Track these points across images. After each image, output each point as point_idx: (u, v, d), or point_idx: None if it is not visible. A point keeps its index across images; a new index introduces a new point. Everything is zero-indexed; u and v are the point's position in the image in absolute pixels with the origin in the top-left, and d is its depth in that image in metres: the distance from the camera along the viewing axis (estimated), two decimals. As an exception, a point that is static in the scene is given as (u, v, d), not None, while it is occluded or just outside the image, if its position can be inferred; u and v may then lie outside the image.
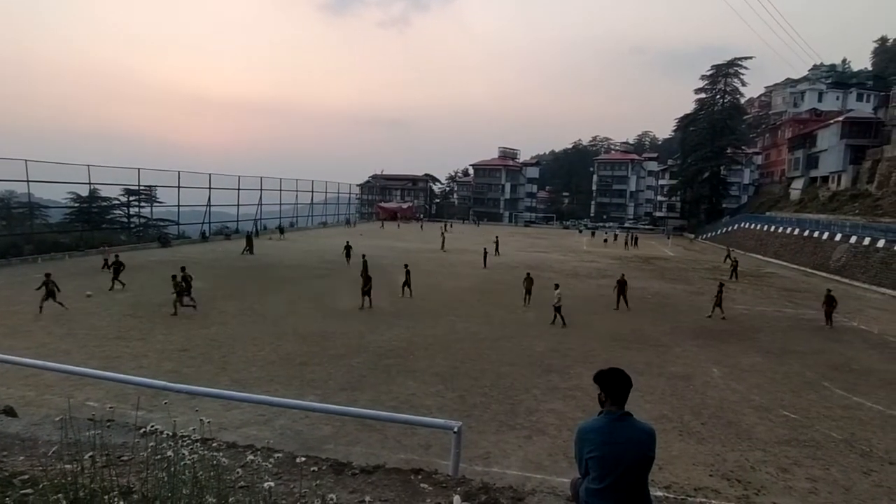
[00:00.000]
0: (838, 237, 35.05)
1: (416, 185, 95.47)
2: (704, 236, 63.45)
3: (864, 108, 63.74)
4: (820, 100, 68.76)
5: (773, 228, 46.59)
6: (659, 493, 6.84)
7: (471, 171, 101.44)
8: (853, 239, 33.13)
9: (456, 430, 5.10)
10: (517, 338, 15.31)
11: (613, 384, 2.98)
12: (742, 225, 54.73)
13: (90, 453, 3.45)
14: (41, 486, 3.43)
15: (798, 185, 57.17)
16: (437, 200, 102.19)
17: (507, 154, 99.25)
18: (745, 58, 67.66)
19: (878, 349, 15.97)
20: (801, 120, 63.73)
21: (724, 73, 68.26)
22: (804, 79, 78.60)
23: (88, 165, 33.06)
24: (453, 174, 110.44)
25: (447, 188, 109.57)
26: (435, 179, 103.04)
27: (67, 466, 3.36)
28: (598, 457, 2.85)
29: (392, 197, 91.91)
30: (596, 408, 3.07)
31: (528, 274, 21.13)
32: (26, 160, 28.72)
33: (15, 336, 13.47)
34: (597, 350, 14.40)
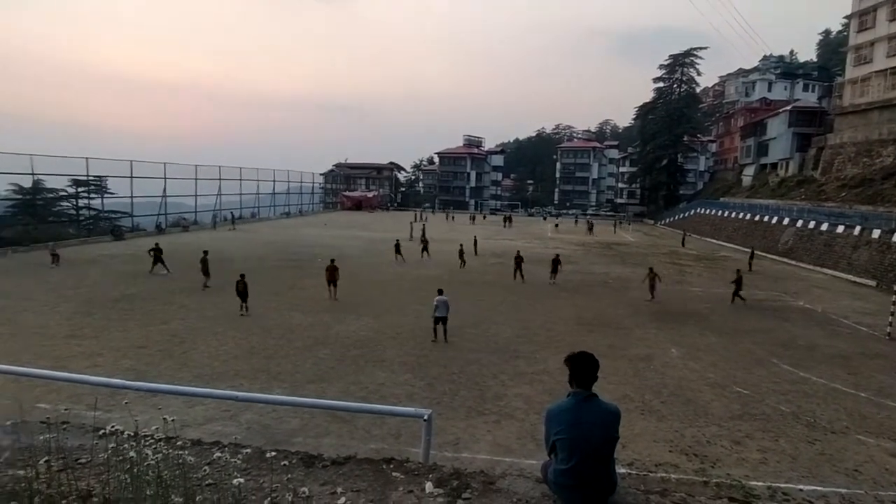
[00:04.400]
0: (786, 221, 36.74)
1: (381, 173, 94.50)
2: (663, 222, 65.41)
3: (810, 98, 66.71)
4: (769, 89, 71.44)
5: (726, 213, 48.42)
6: (622, 471, 7.08)
7: (436, 160, 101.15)
8: (799, 223, 34.81)
9: (426, 417, 5.12)
10: (483, 325, 15.46)
11: (581, 367, 3.06)
12: (698, 210, 56.69)
13: (45, 458, 3.31)
14: (-7, 493, 3.27)
15: (750, 171, 59.48)
16: (403, 189, 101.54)
17: (472, 142, 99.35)
18: (701, 48, 69.80)
19: (822, 326, 16.90)
20: (752, 109, 66.15)
21: (681, 63, 70.07)
22: (755, 69, 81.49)
23: (31, 155, 31.26)
24: (418, 162, 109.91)
25: (413, 176, 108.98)
26: (400, 168, 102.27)
27: (20, 472, 3.22)
28: (566, 438, 2.92)
29: (357, 186, 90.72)
30: (563, 391, 3.15)
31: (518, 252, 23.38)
32: (-40, 150, 27.02)
33: (-44, 337, 12.72)
34: (562, 334, 14.69)
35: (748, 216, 43.32)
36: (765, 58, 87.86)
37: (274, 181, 60.26)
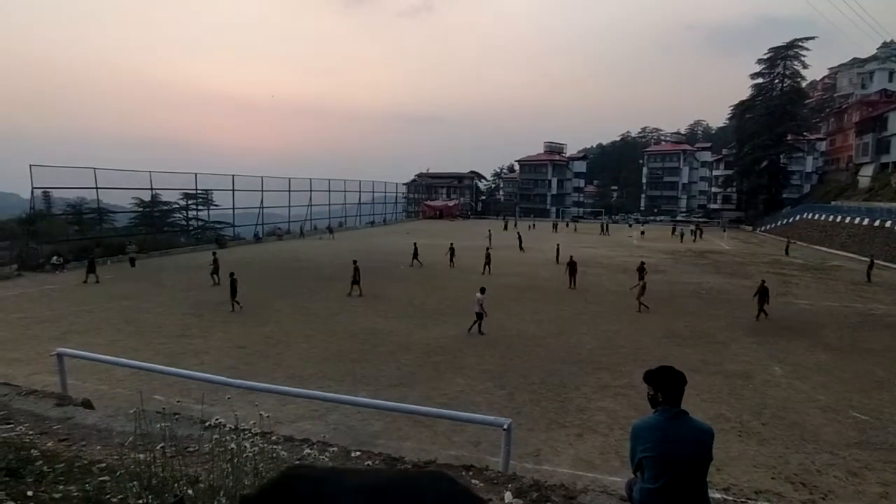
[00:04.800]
0: (914, 227, 32.64)
1: (461, 182, 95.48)
2: (763, 228, 60.44)
3: (943, 87, 58.98)
4: (891, 79, 64.11)
5: (839, 219, 43.82)
6: (718, 496, 6.60)
7: (516, 167, 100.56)
8: (931, 228, 30.78)
9: (506, 426, 5.10)
10: (565, 334, 15.10)
11: (666, 382, 2.92)
12: (805, 215, 51.75)
13: (161, 444, 3.67)
14: (118, 473, 3.67)
15: (867, 171, 53.51)
16: (483, 197, 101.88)
17: (553, 148, 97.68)
18: (807, 38, 63.72)
19: (962, 347, 14.78)
20: (869, 102, 59.55)
21: (783, 56, 64.49)
22: (872, 58, 73.25)
23: (150, 171, 34.96)
24: (498, 170, 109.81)
25: (493, 185, 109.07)
26: (480, 176, 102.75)
27: (140, 456, 3.59)
28: (653, 456, 2.79)
29: (438, 195, 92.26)
30: (649, 407, 3.01)
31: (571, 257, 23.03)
32: (94, 168, 30.69)
33: (89, 334, 14.45)
34: (649, 347, 14.01)
35: (866, 221, 38.95)
36: (884, 45, 78.72)
37: (360, 192, 62.79)
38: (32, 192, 28.65)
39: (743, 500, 6.77)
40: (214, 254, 25.21)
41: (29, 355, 12.27)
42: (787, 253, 37.72)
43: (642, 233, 56.35)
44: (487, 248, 29.21)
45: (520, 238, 39.50)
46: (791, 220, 54.50)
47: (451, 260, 28.04)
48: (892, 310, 19.44)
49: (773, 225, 57.94)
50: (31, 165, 27.33)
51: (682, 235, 50.14)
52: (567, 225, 67.64)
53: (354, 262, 20.91)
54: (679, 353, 13.31)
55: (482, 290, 15.24)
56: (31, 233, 29.06)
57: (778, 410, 9.92)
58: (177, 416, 4.67)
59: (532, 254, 35.93)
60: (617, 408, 9.80)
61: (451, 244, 29.45)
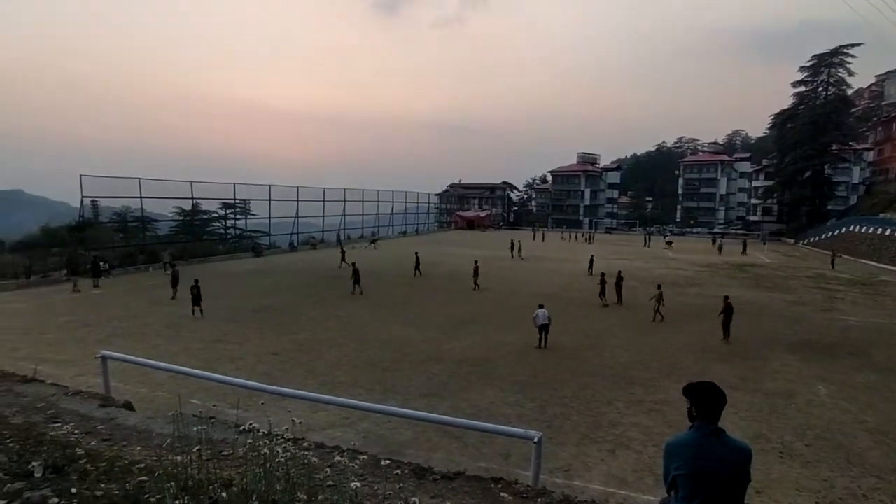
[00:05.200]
0: (972, 240, 30.87)
1: (493, 193, 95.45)
2: (806, 241, 58.19)
3: None
4: (944, 86, 61.05)
5: (888, 232, 41.85)
6: (757, 519, 6.35)
7: (549, 178, 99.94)
8: None
9: (536, 440, 5.05)
10: (598, 347, 14.84)
11: (705, 398, 2.83)
12: (851, 228, 49.60)
13: (197, 447, 3.77)
14: (156, 474, 3.79)
15: (919, 182, 51.01)
16: (516, 208, 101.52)
17: (587, 159, 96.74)
18: (852, 45, 61.34)
19: None
20: (921, 110, 56.93)
21: (828, 63, 62.25)
22: (925, 64, 70.17)
23: (191, 181, 36.23)
24: (531, 181, 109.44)
25: (525, 195, 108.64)
26: (512, 187, 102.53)
27: (178, 458, 3.70)
28: (687, 474, 2.71)
29: (470, 205, 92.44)
30: (684, 423, 2.93)
31: (620, 272, 22.26)
32: (139, 178, 31.99)
33: (132, 339, 14.98)
34: (684, 362, 13.63)
35: (919, 235, 37.08)
36: (938, 51, 75.47)
37: (392, 202, 63.49)
38: (82, 201, 30.06)
39: (785, 524, 6.49)
40: (173, 265, 25.58)
41: (76, 357, 12.81)
42: (832, 266, 36.19)
43: (669, 243, 54.57)
44: (476, 261, 26.83)
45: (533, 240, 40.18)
46: (836, 232, 52.29)
47: (475, 281, 24.73)
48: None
49: (817, 238, 55.72)
50: (81, 175, 28.70)
51: (720, 247, 48.58)
52: (587, 238, 65.86)
53: (353, 264, 23.66)
54: (716, 369, 12.91)
55: (541, 306, 15.26)
56: (79, 240, 30.42)
57: (822, 431, 9.48)
58: (212, 420, 4.79)
59: (564, 265, 35.54)
60: (651, 424, 9.55)
61: (476, 263, 26.31)
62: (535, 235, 62.21)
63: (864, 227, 46.82)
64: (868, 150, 69.55)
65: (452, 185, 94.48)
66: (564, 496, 4.53)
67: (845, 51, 61.47)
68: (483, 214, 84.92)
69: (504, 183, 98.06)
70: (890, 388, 11.98)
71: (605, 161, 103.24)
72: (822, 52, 62.84)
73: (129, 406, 6.75)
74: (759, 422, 9.82)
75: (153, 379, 10.82)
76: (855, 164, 69.79)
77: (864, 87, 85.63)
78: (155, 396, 9.89)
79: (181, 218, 40.26)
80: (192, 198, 37.28)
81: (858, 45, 61.29)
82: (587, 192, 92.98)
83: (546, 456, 7.21)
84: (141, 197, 32.49)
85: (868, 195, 65.48)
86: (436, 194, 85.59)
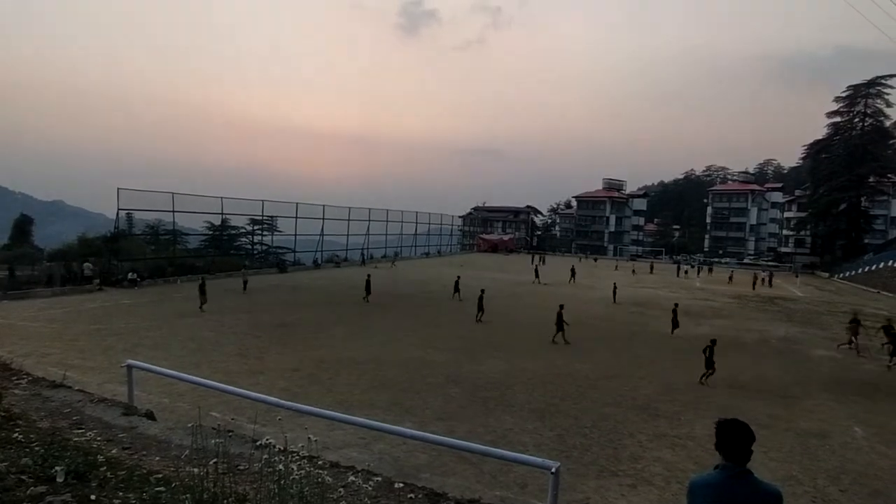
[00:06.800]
0: None
1: (517, 216, 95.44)
2: (841, 275, 56.32)
3: None
4: None
5: (930, 268, 40.23)
6: (787, 566, 6.02)
7: (573, 203, 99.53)
8: None
9: (554, 470, 4.92)
10: (621, 377, 14.51)
11: (732, 436, 2.72)
12: (890, 263, 47.86)
13: (214, 460, 3.79)
14: (173, 485, 3.82)
15: (963, 218, 49.12)
16: (539, 232, 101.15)
17: (613, 185, 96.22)
18: (890, 75, 60.20)
19: None
20: (964, 143, 55.18)
21: (864, 94, 61.16)
22: (966, 96, 68.16)
23: (221, 197, 37.16)
24: (555, 206, 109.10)
25: (549, 220, 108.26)
26: (537, 211, 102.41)
27: (195, 470, 3.72)
28: (711, 515, 2.60)
29: (493, 229, 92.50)
30: (710, 460, 2.82)
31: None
32: (173, 193, 32.96)
33: (157, 349, 15.26)
34: (710, 395, 13.20)
35: (962, 272, 35.55)
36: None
37: (416, 223, 63.88)
38: (118, 213, 31.09)
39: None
40: (202, 278, 24.72)
41: (102, 365, 13.09)
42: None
43: (688, 272, 53.07)
44: (457, 277, 28.81)
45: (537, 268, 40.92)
46: (875, 266, 50.48)
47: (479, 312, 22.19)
48: None
49: (854, 272, 53.88)
50: (118, 188, 29.72)
51: (754, 281, 44.50)
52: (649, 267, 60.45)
53: (368, 275, 25.75)
54: (744, 405, 12.44)
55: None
56: (113, 251, 31.37)
57: (859, 476, 9.01)
58: (230, 434, 4.82)
59: (586, 291, 35.09)
60: (675, 459, 9.23)
61: (482, 292, 23.09)
62: (543, 260, 56.98)
63: (904, 263, 45.09)
64: (907, 182, 67.52)
65: (476, 208, 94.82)
66: (582, 530, 4.39)
67: (883, 81, 60.39)
68: (506, 238, 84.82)
69: (528, 207, 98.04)
70: (932, 433, 11.36)
71: (631, 188, 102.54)
72: (858, 82, 61.88)
73: (150, 416, 6.84)
74: (789, 462, 9.38)
75: (175, 389, 10.95)
76: (894, 196, 67.76)
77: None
78: (176, 407, 10.00)
79: (210, 232, 41.23)
80: (222, 213, 38.19)
81: (895, 75, 60.13)
82: (612, 219, 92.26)
83: (564, 487, 6.99)
84: (174, 211, 33.42)
85: (908, 229, 63.35)
86: (459, 216, 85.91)
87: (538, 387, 13.24)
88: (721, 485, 2.65)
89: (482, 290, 23.05)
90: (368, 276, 26.93)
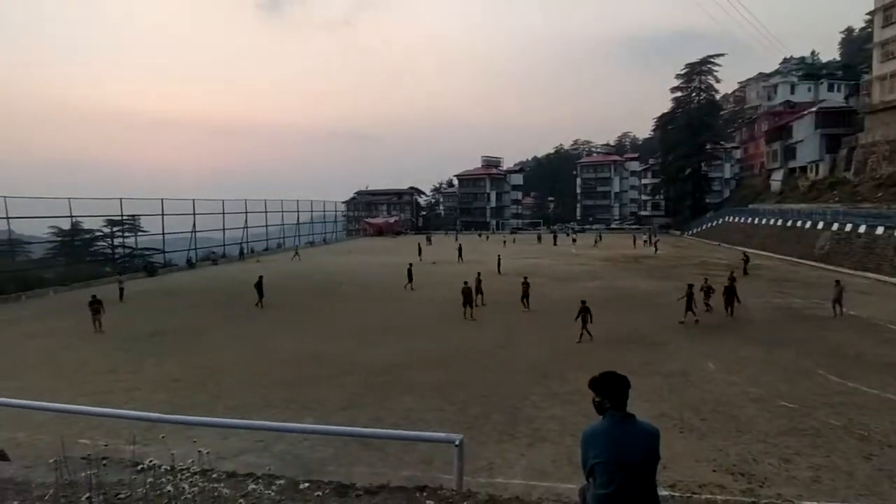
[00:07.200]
0: (820, 225, 35.62)
1: (401, 198, 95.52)
2: (690, 232, 64.21)
3: (836, 98, 65.18)
4: (792, 92, 70.16)
5: (756, 220, 47.28)
6: (665, 493, 6.81)
7: (455, 182, 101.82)
8: (835, 226, 33.69)
9: (457, 443, 5.06)
10: (511, 346, 15.29)
11: (611, 388, 2.98)
12: (726, 219, 55.50)
13: (87, 494, 3.37)
14: (37, 531, 3.33)
15: (778, 176, 58.20)
16: (424, 213, 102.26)
17: (491, 162, 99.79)
18: (717, 55, 69.04)
19: (869, 333, 16.19)
20: (775, 113, 65.05)
21: (698, 71, 69.47)
22: (776, 72, 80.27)
23: (69, 198, 32.67)
24: (438, 186, 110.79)
25: (433, 200, 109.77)
26: (420, 192, 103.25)
27: (63, 509, 3.28)
28: (604, 461, 2.83)
29: (378, 212, 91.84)
30: (596, 413, 3.06)
31: (525, 279, 21.32)
32: (5, 197, 28.38)
33: (4, 378, 13.15)
34: (592, 352, 14.42)
35: (780, 222, 42.19)
36: (785, 60, 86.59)
37: (298, 212, 61.30)
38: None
39: (688, 494, 7.03)
40: (94, 295, 20.39)
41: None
42: (745, 269, 31.01)
43: (563, 239, 58.31)
44: (410, 265, 28.42)
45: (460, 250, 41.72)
46: (715, 223, 58.23)
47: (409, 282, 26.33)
48: (808, 304, 21.04)
49: (699, 229, 61.69)
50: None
51: (634, 240, 52.01)
52: (482, 237, 68.42)
53: (260, 276, 23.40)
54: (621, 356, 13.77)
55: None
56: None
57: (715, 405, 10.42)
58: (105, 461, 4.30)
59: (475, 266, 36.32)
60: (566, 415, 9.97)
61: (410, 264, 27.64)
62: (422, 244, 50.21)
63: (737, 218, 52.54)
64: (736, 148, 78.46)
65: (359, 193, 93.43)
66: (489, 495, 4.59)
67: (712, 60, 68.97)
68: (392, 221, 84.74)
69: (411, 188, 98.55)
70: (767, 360, 13.47)
71: (508, 164, 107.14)
72: (693, 61, 70.00)
73: (2, 456, 5.91)
74: (660, 402, 10.60)
75: (31, 421, 9.54)
76: (726, 161, 78.26)
77: (730, 92, 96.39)
78: (35, 441, 8.74)
79: (58, 239, 36.22)
80: (72, 216, 33.65)
81: (721, 55, 69.30)
82: (493, 195, 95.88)
83: (469, 457, 7.25)
84: (7, 217, 28.80)
85: (738, 188, 73.75)
86: (342, 202, 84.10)
87: (435, 366, 13.52)
88: (610, 431, 2.90)
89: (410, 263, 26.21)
90: (260, 277, 23.72)
